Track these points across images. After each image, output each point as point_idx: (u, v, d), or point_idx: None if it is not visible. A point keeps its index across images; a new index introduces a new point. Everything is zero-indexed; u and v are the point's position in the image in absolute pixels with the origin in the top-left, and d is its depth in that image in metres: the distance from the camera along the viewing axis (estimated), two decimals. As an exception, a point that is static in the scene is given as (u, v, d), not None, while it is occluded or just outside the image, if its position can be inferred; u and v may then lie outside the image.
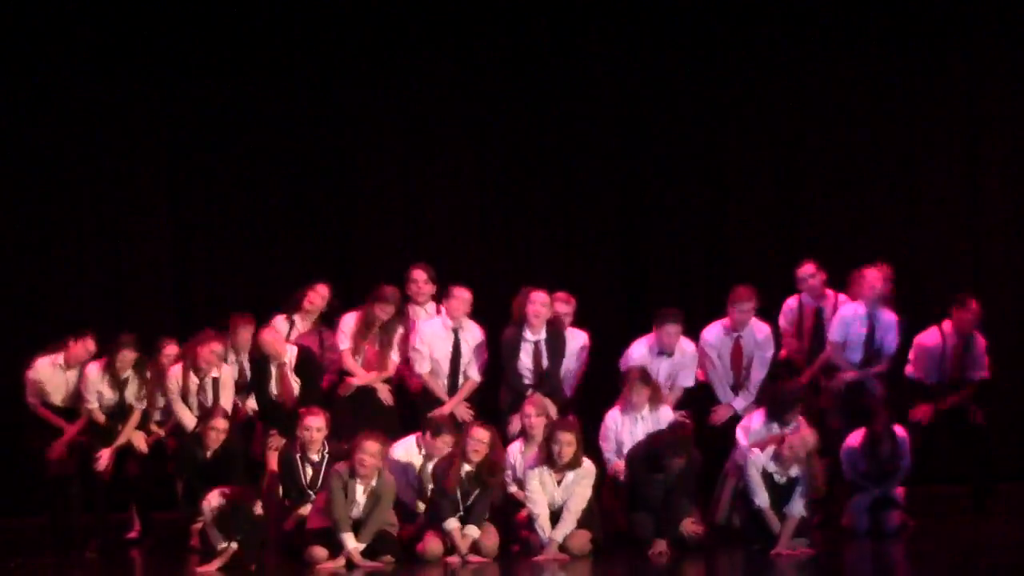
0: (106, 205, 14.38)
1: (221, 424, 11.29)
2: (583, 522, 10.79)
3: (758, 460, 10.72)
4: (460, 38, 14.58)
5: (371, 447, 10.71)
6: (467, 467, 10.81)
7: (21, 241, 14.20)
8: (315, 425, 11.11)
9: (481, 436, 10.81)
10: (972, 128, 14.55)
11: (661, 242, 14.54)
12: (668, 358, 11.82)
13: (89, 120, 14.26)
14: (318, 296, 12.25)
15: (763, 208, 14.61)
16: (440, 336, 11.92)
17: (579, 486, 10.80)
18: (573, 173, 14.65)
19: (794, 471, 10.70)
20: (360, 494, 10.71)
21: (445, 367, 11.92)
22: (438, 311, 12.12)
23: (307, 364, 11.76)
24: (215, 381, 11.72)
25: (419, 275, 12.30)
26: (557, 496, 10.83)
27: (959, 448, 12.24)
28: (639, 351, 11.83)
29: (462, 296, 11.96)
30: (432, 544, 10.76)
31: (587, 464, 10.91)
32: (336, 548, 10.65)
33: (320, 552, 10.64)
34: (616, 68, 14.58)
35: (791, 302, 12.43)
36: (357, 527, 10.68)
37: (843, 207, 14.49)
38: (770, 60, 14.57)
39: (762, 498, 10.70)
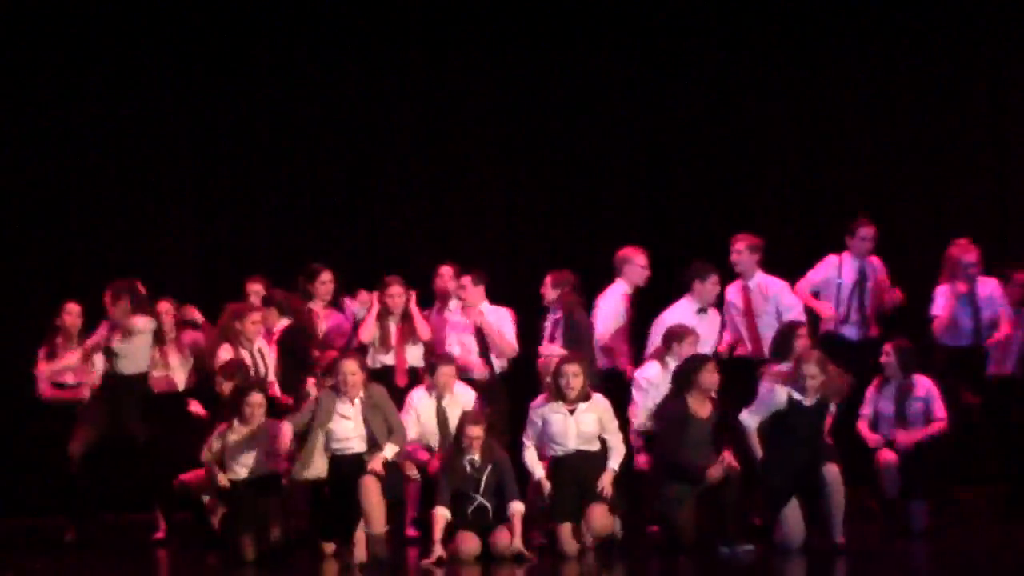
0: (130, 188, 14.72)
1: (258, 399, 11.30)
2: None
3: (781, 393, 10.96)
4: (481, 25, 14.96)
5: (349, 365, 10.91)
6: (471, 456, 11.13)
7: (40, 224, 14.59)
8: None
9: (475, 433, 11.07)
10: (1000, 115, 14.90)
11: (683, 237, 14.84)
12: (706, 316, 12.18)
13: (114, 97, 14.60)
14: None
15: (786, 196, 14.97)
16: (426, 405, 11.90)
17: (600, 416, 11.17)
18: (594, 159, 15.04)
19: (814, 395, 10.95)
20: (351, 410, 10.90)
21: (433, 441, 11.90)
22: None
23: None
24: (260, 352, 12.02)
25: (446, 271, 12.69)
26: (572, 430, 11.10)
27: (995, 447, 12.59)
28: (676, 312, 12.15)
29: (446, 371, 11.88)
30: (467, 543, 11.04)
31: (597, 396, 11.25)
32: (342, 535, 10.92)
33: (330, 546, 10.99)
34: (638, 53, 14.97)
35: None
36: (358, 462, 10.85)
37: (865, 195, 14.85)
38: (790, 46, 14.98)
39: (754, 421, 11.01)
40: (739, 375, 11.98)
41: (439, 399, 11.82)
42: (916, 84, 14.93)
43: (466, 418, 11.19)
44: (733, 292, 12.55)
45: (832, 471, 10.84)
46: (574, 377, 11.09)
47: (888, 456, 11.62)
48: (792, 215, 15.00)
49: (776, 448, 10.99)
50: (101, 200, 14.62)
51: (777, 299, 12.37)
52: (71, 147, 14.57)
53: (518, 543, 10.97)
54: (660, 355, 11.74)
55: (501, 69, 14.99)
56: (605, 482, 11.11)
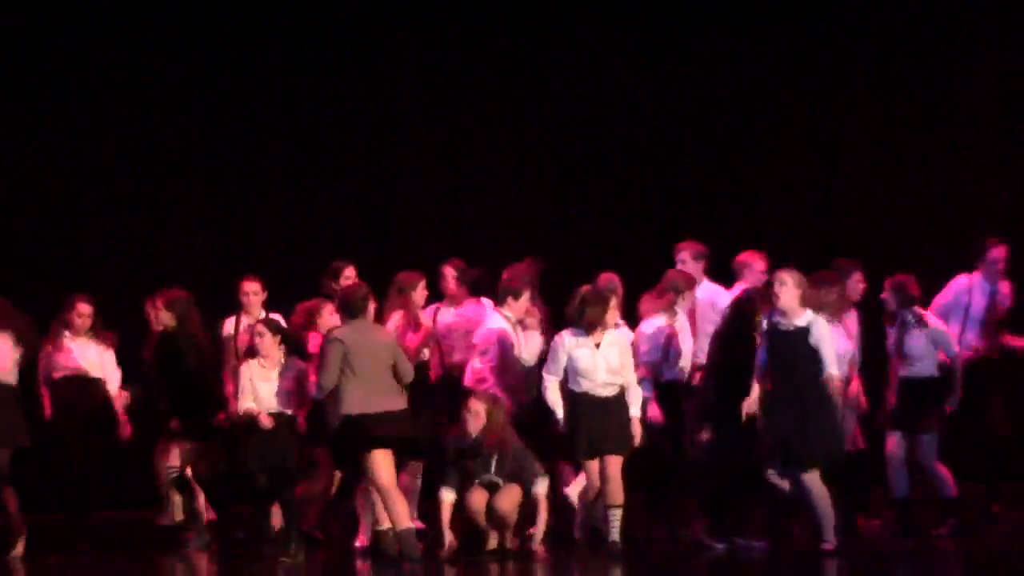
0: (141, 183, 14.89)
1: (263, 329, 11.41)
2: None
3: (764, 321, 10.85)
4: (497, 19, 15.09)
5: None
6: (476, 436, 11.08)
7: (54, 213, 14.74)
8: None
9: (475, 407, 11.04)
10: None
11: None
12: None
13: (126, 88, 14.75)
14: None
15: (800, 195, 15.05)
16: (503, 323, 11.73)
17: (622, 350, 11.08)
18: (610, 162, 15.20)
19: (800, 319, 10.71)
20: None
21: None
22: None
23: None
24: None
25: (448, 271, 12.53)
26: (601, 364, 11.01)
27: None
28: None
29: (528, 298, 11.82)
30: (475, 499, 11.00)
31: (621, 328, 11.22)
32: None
33: None
34: (653, 52, 15.12)
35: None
36: None
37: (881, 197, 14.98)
38: (806, 46, 15.12)
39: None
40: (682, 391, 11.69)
41: (515, 325, 11.69)
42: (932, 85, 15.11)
43: (473, 391, 11.23)
44: None
45: (813, 480, 10.71)
46: (613, 311, 11.06)
47: (894, 448, 11.58)
48: (805, 219, 15.07)
49: (774, 390, 10.83)
50: (110, 195, 14.81)
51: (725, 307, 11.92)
52: (83, 142, 14.76)
53: (539, 540, 10.99)
54: (668, 306, 11.55)
55: (512, 67, 15.15)
56: (636, 431, 11.06)
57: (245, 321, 12.25)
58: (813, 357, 10.70)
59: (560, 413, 11.06)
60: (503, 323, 11.60)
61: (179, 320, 11.72)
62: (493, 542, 11.11)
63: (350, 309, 11.08)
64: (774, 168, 15.17)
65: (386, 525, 10.95)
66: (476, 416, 11.03)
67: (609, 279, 11.69)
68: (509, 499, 11.01)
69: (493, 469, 11.06)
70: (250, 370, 11.24)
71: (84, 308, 12.19)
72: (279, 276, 13.65)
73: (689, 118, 15.11)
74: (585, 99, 15.07)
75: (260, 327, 11.36)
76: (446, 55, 15.09)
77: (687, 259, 12.13)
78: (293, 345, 11.44)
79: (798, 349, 10.72)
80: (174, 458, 11.73)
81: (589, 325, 10.98)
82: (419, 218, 15.06)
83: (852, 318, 11.74)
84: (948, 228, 14.75)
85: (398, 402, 10.97)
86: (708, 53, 15.08)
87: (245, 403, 11.27)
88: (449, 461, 11.10)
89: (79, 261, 14.58)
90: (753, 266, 12.28)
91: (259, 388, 11.20)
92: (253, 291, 12.38)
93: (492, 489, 11.05)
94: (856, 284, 11.95)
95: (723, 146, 15.10)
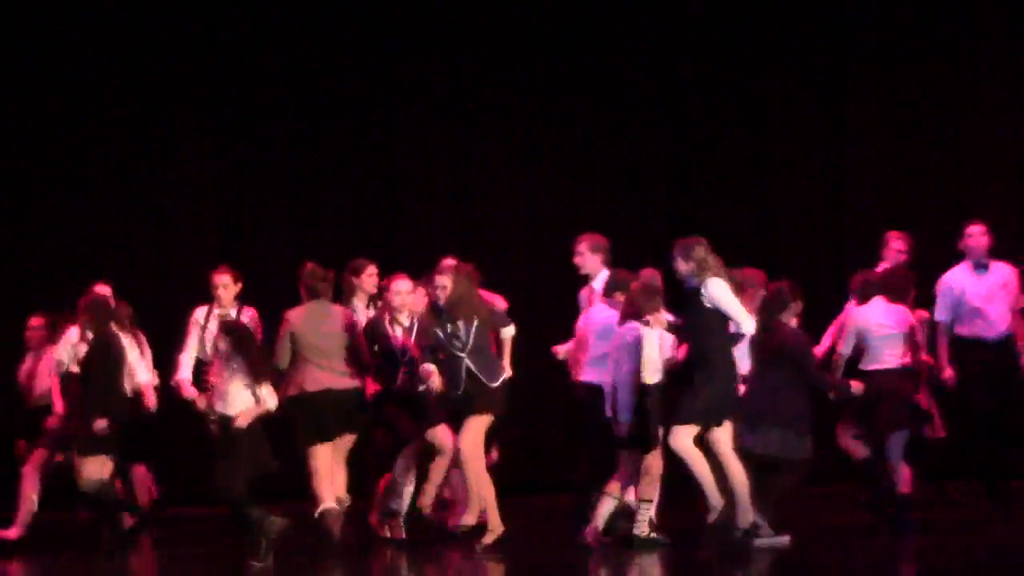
0: (152, 180, 14.99)
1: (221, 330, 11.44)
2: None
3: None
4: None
5: (402, 284, 11.44)
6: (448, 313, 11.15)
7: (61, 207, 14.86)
8: (404, 289, 11.48)
9: (441, 282, 11.14)
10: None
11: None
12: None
13: (136, 83, 14.84)
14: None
15: (808, 189, 15.08)
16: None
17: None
18: (619, 158, 15.24)
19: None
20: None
21: None
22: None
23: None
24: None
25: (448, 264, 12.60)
26: (658, 353, 10.98)
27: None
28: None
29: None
30: (444, 437, 11.25)
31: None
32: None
33: None
34: (658, 49, 15.19)
35: None
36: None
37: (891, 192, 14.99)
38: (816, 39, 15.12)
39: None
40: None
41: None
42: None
43: (436, 268, 11.35)
44: (584, 296, 11.91)
45: (720, 444, 10.72)
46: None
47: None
48: (815, 221, 15.10)
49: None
50: (114, 195, 14.92)
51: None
52: (84, 140, 14.87)
53: (506, 363, 11.26)
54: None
55: (521, 66, 15.19)
56: None
57: (216, 312, 12.26)
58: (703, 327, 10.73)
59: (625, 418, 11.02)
60: (611, 313, 11.39)
61: (97, 326, 11.73)
62: (470, 519, 11.23)
63: (306, 290, 11.49)
64: (783, 166, 15.20)
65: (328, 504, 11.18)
66: (443, 289, 11.15)
67: (652, 274, 11.47)
68: (472, 436, 11.05)
69: (469, 346, 11.10)
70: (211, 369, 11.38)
71: (103, 291, 12.24)
72: (287, 272, 13.80)
73: (697, 116, 15.15)
74: (592, 98, 15.10)
75: (218, 331, 11.40)
76: (455, 54, 15.16)
77: (584, 251, 11.79)
78: (253, 344, 11.37)
79: (691, 312, 10.77)
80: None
81: (646, 318, 10.95)
82: (428, 216, 15.12)
83: None
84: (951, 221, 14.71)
85: (344, 382, 11.33)
86: (713, 52, 15.11)
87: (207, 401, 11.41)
88: (424, 343, 11.25)
89: (80, 261, 14.63)
90: (891, 244, 12.45)
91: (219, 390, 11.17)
92: (223, 284, 12.29)
93: (471, 388, 11.10)
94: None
95: (729, 146, 15.14)
